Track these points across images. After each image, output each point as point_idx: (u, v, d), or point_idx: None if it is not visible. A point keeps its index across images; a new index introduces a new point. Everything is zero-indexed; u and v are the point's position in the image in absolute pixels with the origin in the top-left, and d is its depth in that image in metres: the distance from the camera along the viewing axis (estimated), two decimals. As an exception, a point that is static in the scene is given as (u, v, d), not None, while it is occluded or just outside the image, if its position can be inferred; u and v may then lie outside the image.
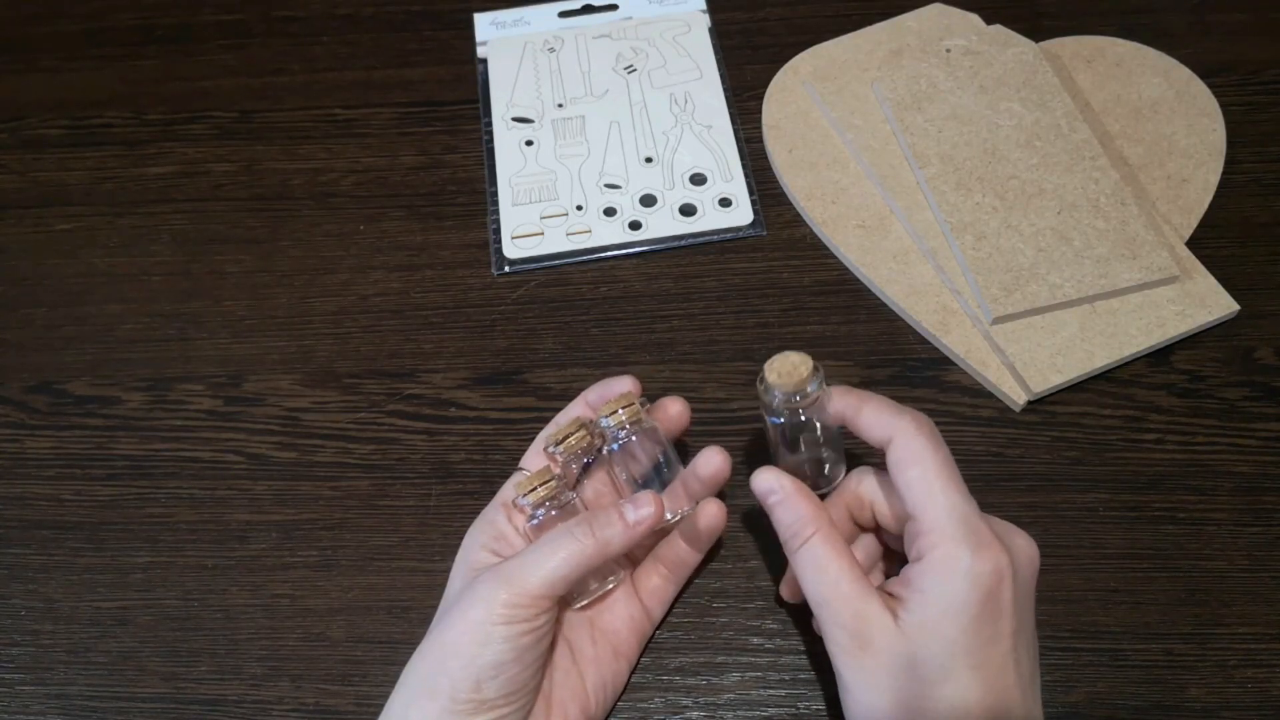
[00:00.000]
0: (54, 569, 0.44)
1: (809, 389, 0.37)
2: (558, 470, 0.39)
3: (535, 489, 0.38)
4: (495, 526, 0.39)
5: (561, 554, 0.35)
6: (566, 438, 0.39)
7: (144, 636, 0.42)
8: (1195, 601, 0.41)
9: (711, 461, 0.39)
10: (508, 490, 0.40)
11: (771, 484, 0.37)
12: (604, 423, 0.39)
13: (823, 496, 0.38)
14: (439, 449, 0.46)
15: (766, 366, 0.37)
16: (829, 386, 0.38)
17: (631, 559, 0.41)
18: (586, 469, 0.41)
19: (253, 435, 0.47)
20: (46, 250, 0.53)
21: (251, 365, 0.49)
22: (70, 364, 0.49)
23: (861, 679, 0.33)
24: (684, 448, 0.45)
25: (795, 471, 0.38)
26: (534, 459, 0.41)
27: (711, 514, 0.39)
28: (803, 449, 0.39)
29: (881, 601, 0.33)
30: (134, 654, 0.42)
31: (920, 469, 0.34)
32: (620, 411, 0.39)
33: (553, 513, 0.38)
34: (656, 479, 0.40)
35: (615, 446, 0.39)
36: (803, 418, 0.38)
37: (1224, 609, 0.40)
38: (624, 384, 0.40)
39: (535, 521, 0.38)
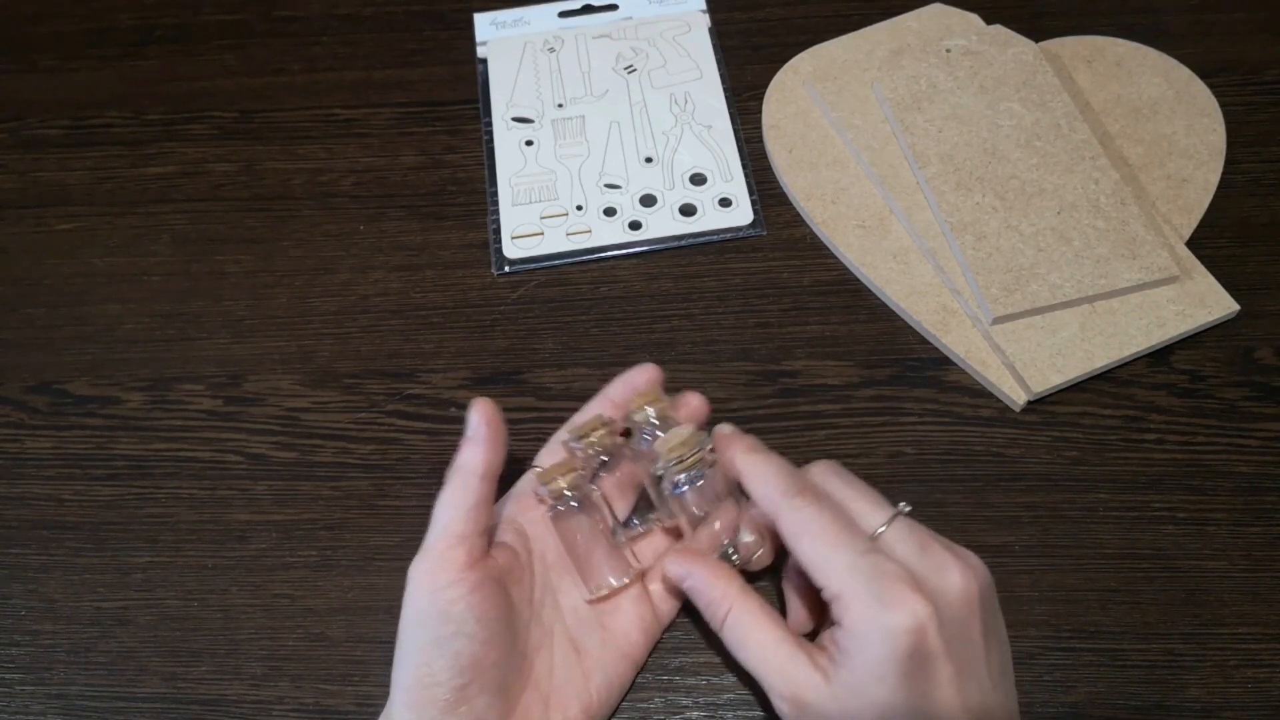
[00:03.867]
0: (54, 569, 0.44)
1: (692, 449, 0.37)
2: (578, 465, 0.39)
3: (556, 479, 0.38)
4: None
5: (443, 505, 0.36)
6: (589, 434, 0.39)
7: (144, 636, 0.42)
8: (1195, 601, 0.41)
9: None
10: (521, 487, 0.40)
11: (680, 571, 0.37)
12: (636, 418, 0.39)
13: (748, 574, 0.39)
14: (439, 449, 0.46)
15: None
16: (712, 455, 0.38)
17: (643, 561, 0.41)
18: (603, 464, 0.41)
19: (253, 435, 0.47)
20: (46, 250, 0.53)
21: (251, 365, 0.49)
22: (70, 364, 0.49)
23: None
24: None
25: (718, 544, 0.38)
26: (548, 458, 0.41)
27: (732, 510, 0.40)
28: (714, 523, 0.39)
29: (811, 662, 0.33)
30: (134, 654, 0.42)
31: (809, 539, 0.33)
32: (648, 408, 0.39)
33: (574, 504, 0.38)
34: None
35: (644, 441, 0.39)
36: (697, 483, 0.38)
37: (1224, 609, 0.40)
38: (647, 373, 0.41)
39: (555, 512, 0.38)
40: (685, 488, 0.38)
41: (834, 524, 0.33)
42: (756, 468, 0.36)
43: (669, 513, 0.40)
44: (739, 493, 0.38)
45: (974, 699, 0.32)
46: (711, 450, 0.38)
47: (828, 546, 0.33)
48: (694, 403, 0.42)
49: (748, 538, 0.38)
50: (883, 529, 0.34)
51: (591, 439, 0.39)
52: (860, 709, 0.32)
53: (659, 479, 0.38)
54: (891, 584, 0.32)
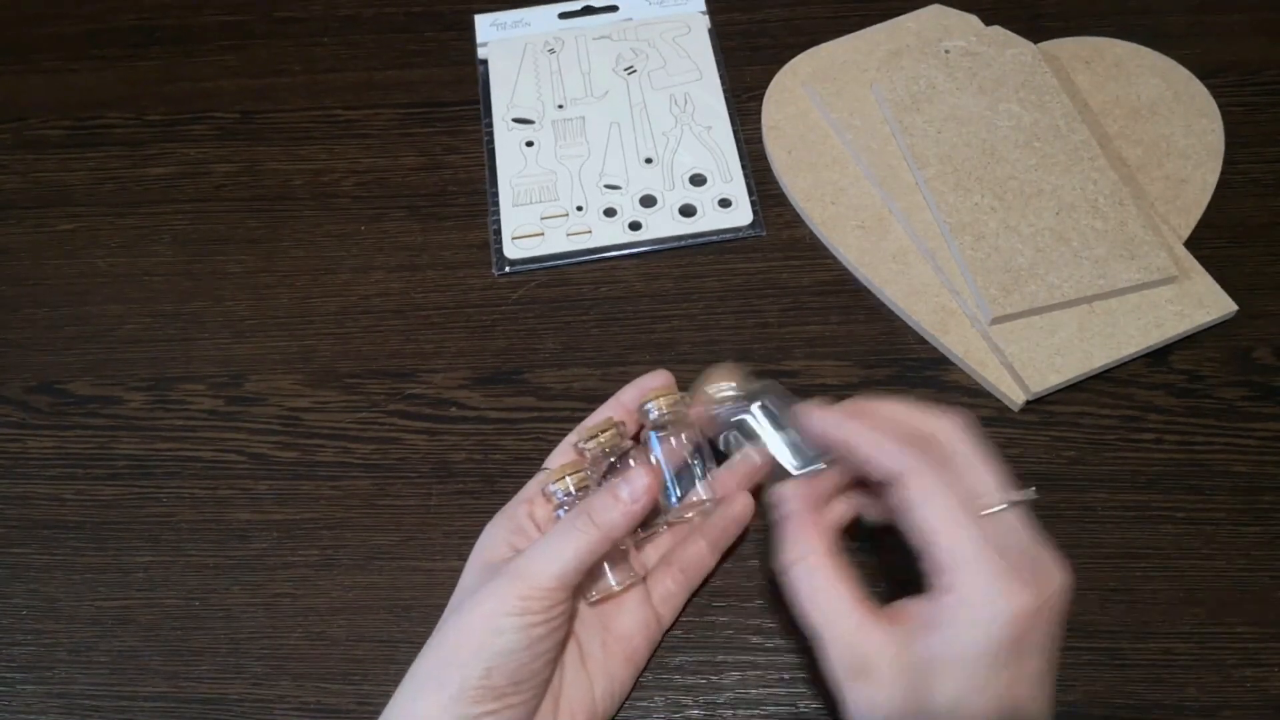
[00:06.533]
0: (56, 568, 0.44)
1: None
2: (586, 466, 0.40)
3: (564, 478, 0.38)
4: (515, 521, 0.39)
5: (569, 547, 0.35)
6: (597, 434, 0.39)
7: (145, 635, 0.42)
8: (1194, 601, 0.41)
9: (748, 457, 0.41)
10: (531, 488, 0.40)
11: (785, 494, 0.37)
12: (648, 409, 0.40)
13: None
14: (439, 448, 0.46)
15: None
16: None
17: (646, 562, 0.41)
18: (612, 467, 0.41)
19: (254, 435, 0.47)
20: (48, 251, 0.53)
21: (253, 365, 0.49)
22: (72, 364, 0.49)
23: (862, 701, 0.32)
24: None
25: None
26: (559, 460, 0.41)
27: (744, 504, 0.41)
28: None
29: (883, 632, 0.32)
30: (135, 653, 0.42)
31: (930, 508, 0.32)
32: (662, 400, 0.40)
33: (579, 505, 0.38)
34: (693, 469, 0.40)
35: (656, 435, 0.40)
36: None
37: (1222, 608, 0.41)
38: (658, 379, 0.41)
39: (563, 512, 0.38)
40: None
41: (959, 497, 0.32)
42: (866, 435, 0.34)
43: (678, 515, 0.40)
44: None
45: (1040, 697, 0.32)
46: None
47: (952, 518, 0.32)
48: None
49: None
50: (1002, 507, 0.33)
51: (600, 439, 0.39)
52: (942, 684, 0.31)
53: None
54: (1011, 568, 0.31)
